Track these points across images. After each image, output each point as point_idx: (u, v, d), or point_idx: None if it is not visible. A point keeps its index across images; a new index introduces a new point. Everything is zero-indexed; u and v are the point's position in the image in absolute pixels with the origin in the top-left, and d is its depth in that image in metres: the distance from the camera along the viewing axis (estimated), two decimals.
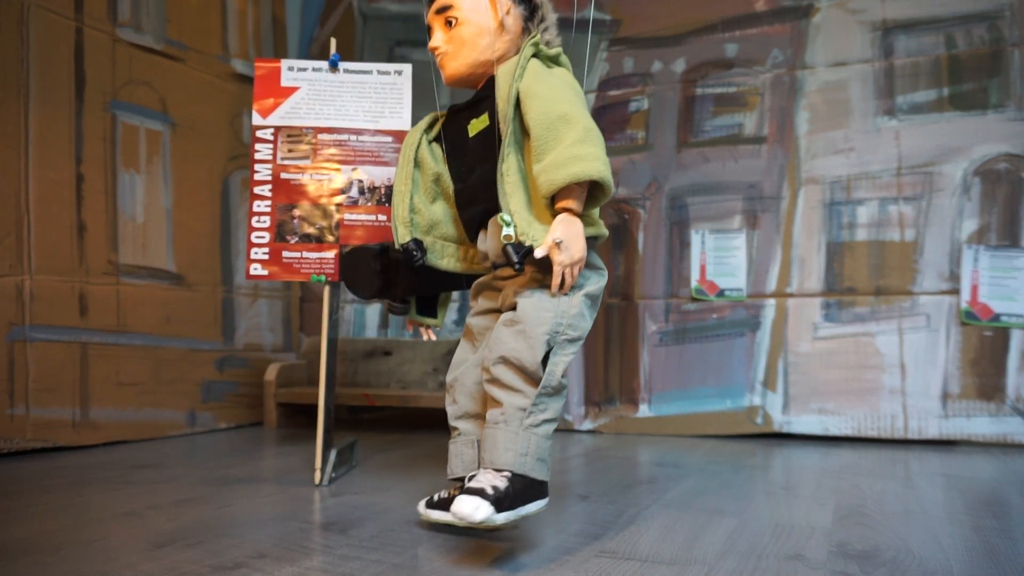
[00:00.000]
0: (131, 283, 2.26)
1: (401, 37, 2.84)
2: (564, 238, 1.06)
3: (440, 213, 1.29)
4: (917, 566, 1.06)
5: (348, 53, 2.89)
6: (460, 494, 1.00)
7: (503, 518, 1.00)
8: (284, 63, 1.69)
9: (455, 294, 1.43)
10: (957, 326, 2.20)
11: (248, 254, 1.64)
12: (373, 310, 2.92)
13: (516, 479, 1.04)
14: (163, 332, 2.35)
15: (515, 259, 1.07)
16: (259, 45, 2.77)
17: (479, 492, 0.99)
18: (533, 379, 1.09)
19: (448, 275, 1.31)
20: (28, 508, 1.40)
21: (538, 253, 1.07)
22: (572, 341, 1.12)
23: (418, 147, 1.29)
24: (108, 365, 2.17)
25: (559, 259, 1.07)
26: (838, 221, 2.33)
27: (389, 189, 1.67)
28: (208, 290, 2.52)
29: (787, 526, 1.28)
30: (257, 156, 1.66)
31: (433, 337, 1.41)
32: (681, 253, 2.49)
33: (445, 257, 1.29)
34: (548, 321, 1.09)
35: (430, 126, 1.33)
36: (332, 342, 1.68)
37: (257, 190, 1.65)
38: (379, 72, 1.71)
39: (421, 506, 1.29)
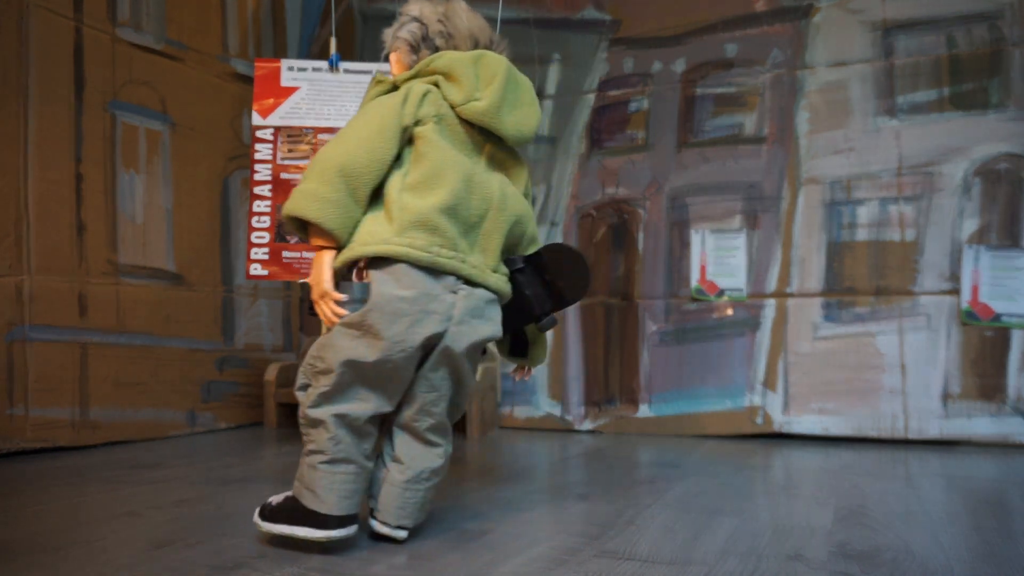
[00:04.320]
0: (131, 283, 2.26)
1: None
2: (310, 276, 1.16)
3: None
4: (918, 566, 1.06)
5: (348, 53, 2.89)
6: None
7: (265, 526, 1.14)
8: (284, 63, 1.69)
9: None
10: (957, 326, 2.20)
11: (248, 254, 1.64)
12: None
13: (290, 500, 1.14)
14: (163, 332, 2.34)
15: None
16: (259, 45, 2.77)
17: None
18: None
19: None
20: (28, 508, 1.39)
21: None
22: (322, 373, 1.13)
23: None
24: (108, 365, 2.17)
25: (312, 296, 1.16)
26: (838, 221, 2.33)
27: None
28: (208, 290, 2.52)
29: (787, 526, 1.28)
30: (257, 156, 1.66)
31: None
32: (681, 253, 2.48)
33: None
34: (307, 356, 1.16)
35: None
36: None
37: (257, 190, 1.66)
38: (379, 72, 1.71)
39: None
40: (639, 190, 2.53)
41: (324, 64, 1.69)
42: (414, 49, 1.27)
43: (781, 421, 2.33)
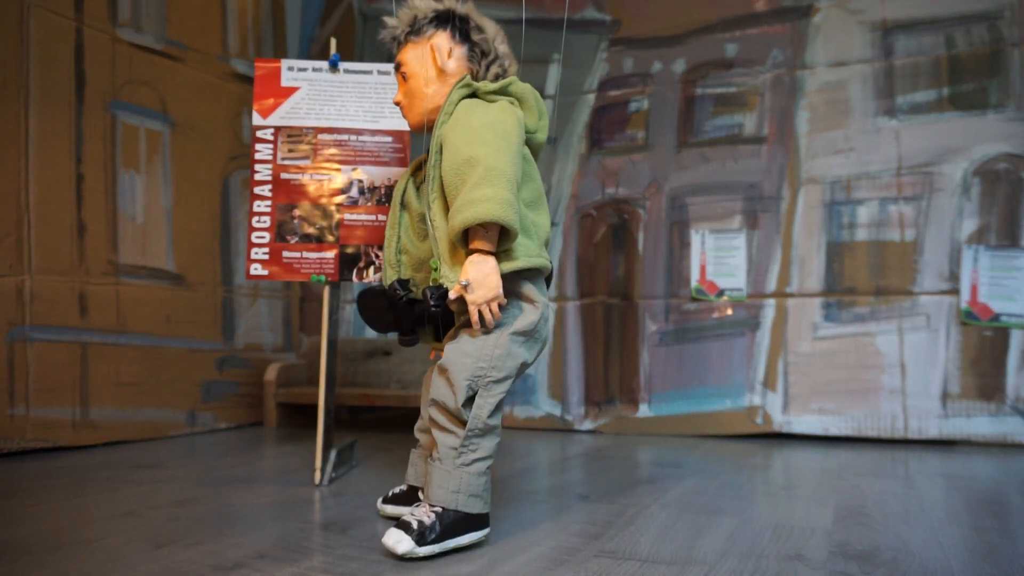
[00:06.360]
0: (131, 283, 2.26)
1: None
2: (472, 279, 1.10)
3: (428, 250, 1.30)
4: (917, 566, 1.06)
5: (348, 53, 2.89)
6: (392, 527, 1.10)
7: (425, 551, 1.08)
8: (284, 63, 1.69)
9: None
10: (957, 326, 2.20)
11: (248, 254, 1.64)
12: None
13: (446, 514, 1.11)
14: (163, 332, 2.35)
15: (431, 301, 1.12)
16: (259, 45, 2.77)
17: (405, 527, 1.09)
18: (460, 421, 1.14)
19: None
20: (28, 508, 1.40)
21: (451, 296, 1.12)
22: (498, 381, 1.15)
23: (404, 191, 1.32)
24: (108, 365, 2.17)
25: (471, 299, 1.11)
26: (838, 221, 2.33)
27: (389, 189, 1.68)
28: (208, 290, 2.52)
29: (787, 526, 1.28)
30: (257, 156, 1.66)
31: None
32: (681, 253, 2.49)
33: None
34: (468, 367, 1.13)
35: (418, 168, 1.34)
36: (332, 342, 1.68)
37: (257, 190, 1.65)
38: (379, 72, 1.71)
39: (379, 502, 1.37)
40: (639, 190, 2.53)
41: (324, 64, 1.69)
42: (475, 59, 1.26)
43: (781, 421, 2.33)
